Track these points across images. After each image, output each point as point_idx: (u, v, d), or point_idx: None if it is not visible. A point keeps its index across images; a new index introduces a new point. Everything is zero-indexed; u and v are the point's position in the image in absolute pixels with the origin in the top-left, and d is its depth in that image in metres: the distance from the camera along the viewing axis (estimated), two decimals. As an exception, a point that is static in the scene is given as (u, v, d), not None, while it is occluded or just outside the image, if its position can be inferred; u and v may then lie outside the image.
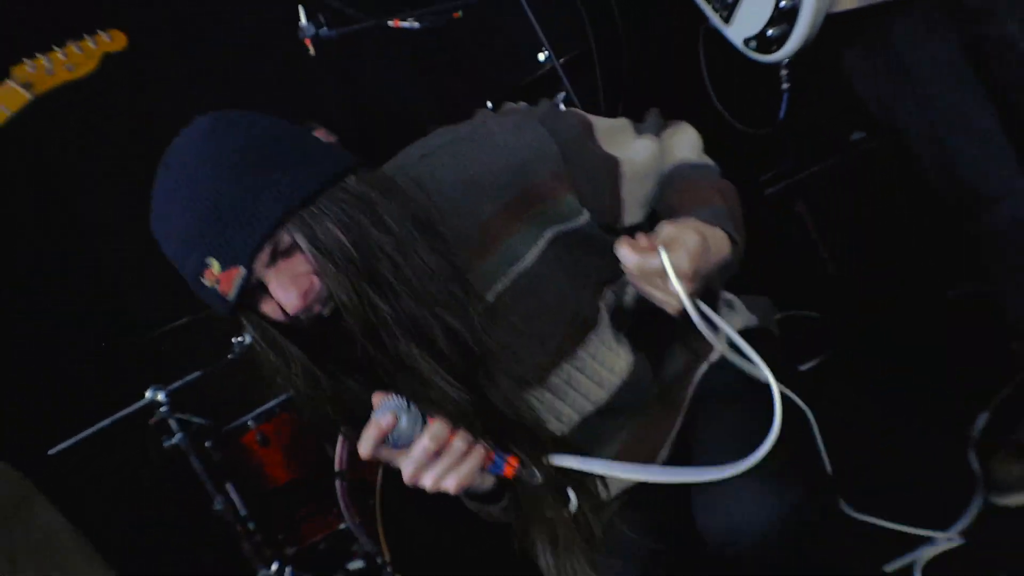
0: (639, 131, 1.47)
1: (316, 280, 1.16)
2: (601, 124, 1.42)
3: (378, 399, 1.14)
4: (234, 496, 2.76)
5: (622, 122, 1.48)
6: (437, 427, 1.13)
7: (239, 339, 2.68)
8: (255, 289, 1.14)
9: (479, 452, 1.17)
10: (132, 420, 2.61)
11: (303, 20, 2.55)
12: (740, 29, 2.04)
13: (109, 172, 3.53)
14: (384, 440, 1.11)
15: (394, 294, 1.17)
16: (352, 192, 1.17)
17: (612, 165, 1.36)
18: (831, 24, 1.91)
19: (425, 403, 1.18)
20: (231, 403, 2.98)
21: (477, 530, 2.16)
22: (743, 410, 1.40)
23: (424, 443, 1.11)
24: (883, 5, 1.89)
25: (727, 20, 2.07)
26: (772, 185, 2.49)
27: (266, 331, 1.21)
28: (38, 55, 2.20)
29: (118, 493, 2.63)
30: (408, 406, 1.14)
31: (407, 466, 1.13)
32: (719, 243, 1.23)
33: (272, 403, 2.92)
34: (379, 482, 2.36)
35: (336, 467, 2.69)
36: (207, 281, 1.11)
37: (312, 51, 2.57)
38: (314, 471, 2.93)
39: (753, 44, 2.01)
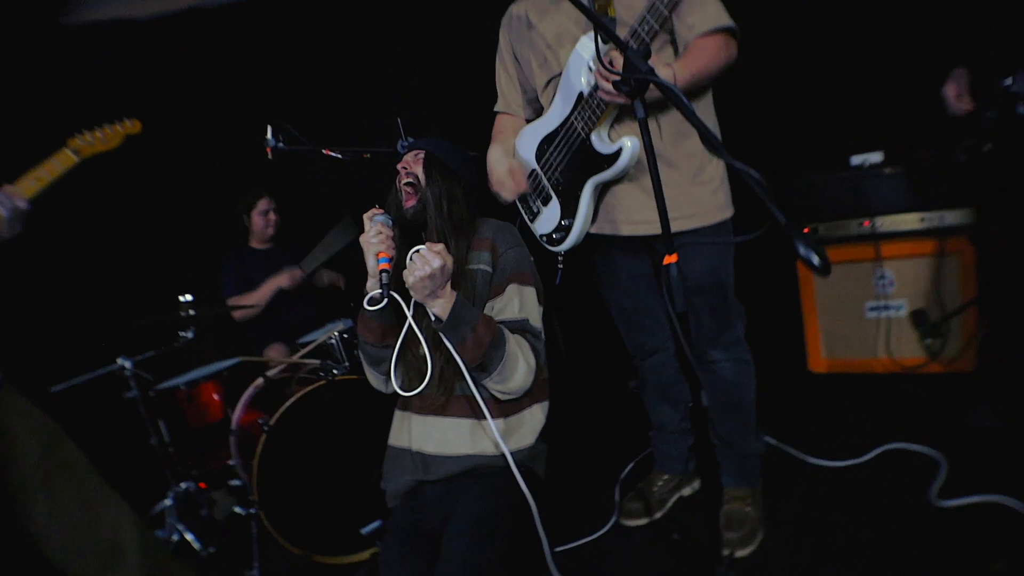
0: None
1: (417, 175, 2.07)
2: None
3: (375, 210, 2.02)
4: (164, 431, 3.07)
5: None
6: (383, 227, 1.96)
7: (184, 334, 3.07)
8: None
9: (389, 244, 1.94)
10: (107, 377, 2.96)
11: (269, 135, 2.87)
12: (539, 228, 2.46)
13: (121, 214, 4.03)
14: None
15: (438, 202, 2.04)
16: (453, 180, 2.09)
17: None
18: (588, 238, 2.36)
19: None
20: (173, 372, 3.36)
21: (319, 485, 2.74)
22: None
23: (379, 226, 1.95)
24: (611, 236, 2.33)
25: (532, 221, 2.48)
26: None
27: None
28: (85, 131, 2.45)
29: (89, 425, 2.79)
30: (387, 219, 1.99)
31: (372, 225, 1.96)
32: (447, 296, 1.86)
33: (197, 375, 3.23)
34: (260, 445, 2.68)
35: (232, 426, 3.03)
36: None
37: (270, 156, 2.88)
38: (218, 423, 3.20)
39: (544, 239, 2.44)
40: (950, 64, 2.63)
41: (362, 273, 2.01)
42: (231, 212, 3.87)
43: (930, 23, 3.24)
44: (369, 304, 1.92)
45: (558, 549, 2.47)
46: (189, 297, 3.01)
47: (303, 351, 3.15)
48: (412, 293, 1.86)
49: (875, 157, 3.37)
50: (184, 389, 3.14)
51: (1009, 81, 2.29)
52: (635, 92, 1.64)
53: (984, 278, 2.96)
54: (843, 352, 3.55)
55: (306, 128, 2.97)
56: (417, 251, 1.83)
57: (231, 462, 3.09)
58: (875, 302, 3.43)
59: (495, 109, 2.63)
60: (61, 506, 2.02)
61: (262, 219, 3.85)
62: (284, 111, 3.20)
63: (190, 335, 3.09)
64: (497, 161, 2.44)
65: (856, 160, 3.41)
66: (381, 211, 2.02)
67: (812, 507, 2.51)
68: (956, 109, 2.54)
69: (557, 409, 2.18)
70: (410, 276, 1.82)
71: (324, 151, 2.97)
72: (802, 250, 1.25)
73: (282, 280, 3.72)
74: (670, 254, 1.63)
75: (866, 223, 3.35)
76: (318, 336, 3.26)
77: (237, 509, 3.00)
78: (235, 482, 3.24)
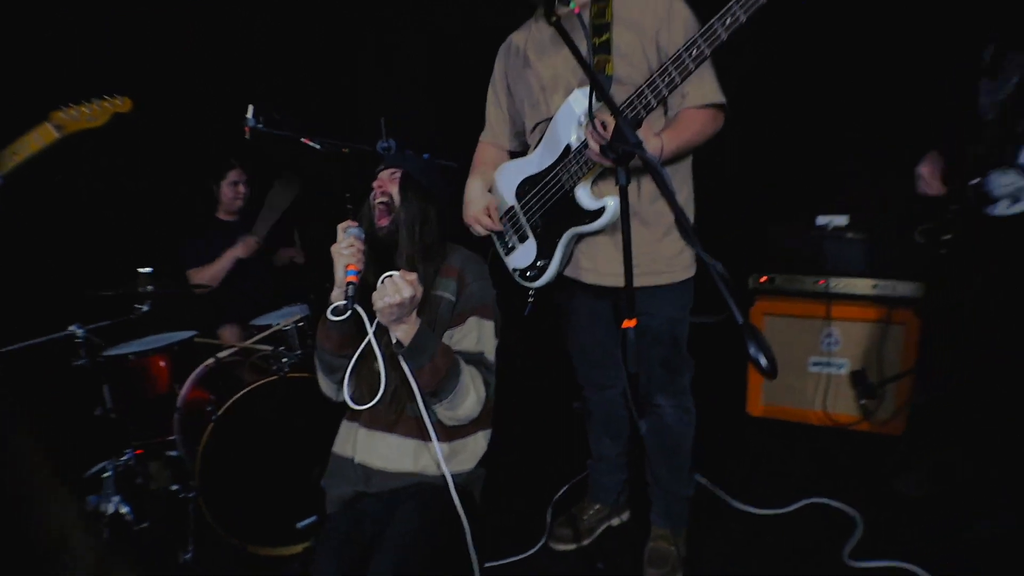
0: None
1: (392, 194, 2.10)
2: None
3: (350, 222, 2.04)
4: (108, 397, 3.00)
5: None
6: (356, 240, 1.98)
7: (139, 306, 3.03)
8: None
9: (359, 257, 1.97)
10: (57, 344, 2.87)
11: (249, 114, 2.80)
12: (512, 262, 2.52)
13: (102, 191, 3.99)
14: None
15: (411, 225, 2.08)
16: (428, 202, 2.12)
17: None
18: (560, 280, 2.45)
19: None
20: (124, 340, 3.24)
21: (260, 477, 2.79)
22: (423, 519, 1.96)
23: (351, 238, 1.97)
24: (575, 280, 2.44)
25: (506, 254, 2.53)
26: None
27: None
28: (71, 105, 2.39)
29: (34, 392, 2.61)
30: (360, 232, 2.01)
31: (345, 236, 1.98)
32: (411, 323, 1.92)
33: (147, 346, 3.14)
34: (207, 433, 2.71)
35: (177, 403, 3.01)
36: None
37: (247, 136, 2.81)
38: (163, 397, 3.11)
39: (518, 274, 2.51)
40: (927, 144, 2.74)
41: (321, 253, 2.08)
42: (201, 183, 3.83)
43: (908, 105, 3.38)
44: (333, 314, 1.96)
45: (487, 565, 2.54)
46: (149, 269, 2.98)
47: (257, 336, 3.16)
48: (378, 316, 1.90)
49: (840, 220, 3.51)
50: (133, 359, 3.10)
51: (977, 181, 2.41)
52: (621, 160, 1.67)
53: (925, 350, 3.09)
54: (781, 400, 3.71)
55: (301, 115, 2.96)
56: (390, 276, 1.87)
57: (172, 437, 3.08)
58: (819, 358, 3.59)
59: (481, 138, 2.66)
60: (4, 495, 1.98)
61: (231, 190, 3.82)
62: (264, 93, 3.12)
63: (146, 308, 3.05)
64: (476, 197, 2.48)
65: (822, 220, 3.54)
66: (355, 224, 2.05)
67: (732, 552, 2.66)
68: (927, 188, 2.65)
69: (499, 427, 2.26)
70: (379, 300, 1.86)
71: (302, 139, 2.94)
72: (752, 350, 1.32)
73: (238, 251, 3.72)
74: (630, 319, 1.66)
75: (821, 281, 3.49)
76: (273, 321, 3.25)
77: (174, 488, 2.98)
78: (173, 452, 3.19)
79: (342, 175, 3.15)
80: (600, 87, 1.75)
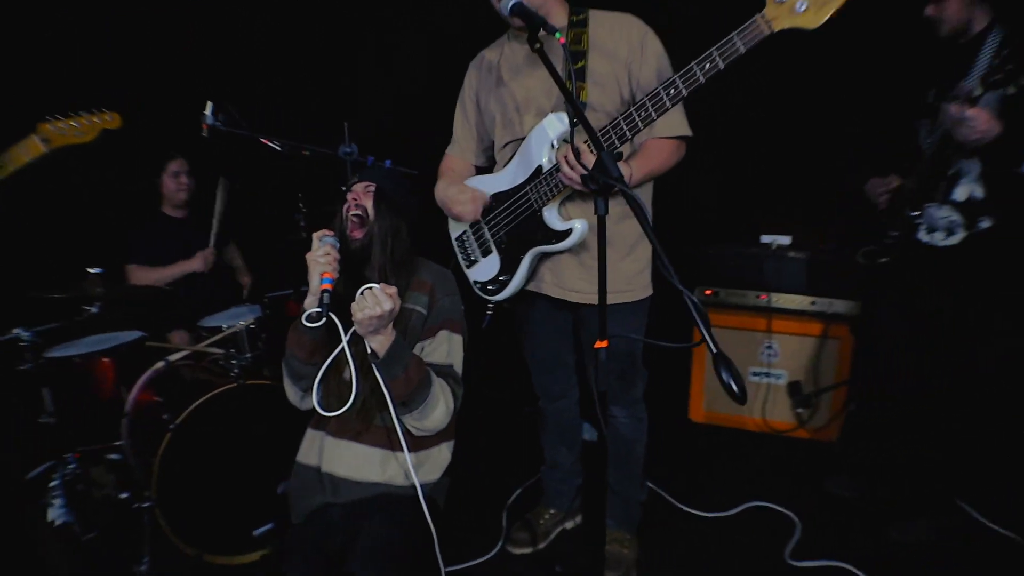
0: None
1: (366, 207, 2.12)
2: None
3: (326, 231, 2.06)
4: (49, 401, 2.86)
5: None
6: (332, 249, 2.01)
7: (88, 308, 2.93)
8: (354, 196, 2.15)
9: (335, 266, 2.00)
10: (1, 348, 2.75)
11: (207, 111, 2.76)
12: (474, 275, 2.57)
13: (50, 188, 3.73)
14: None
15: (384, 239, 2.10)
16: (400, 217, 2.13)
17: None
18: (521, 292, 2.51)
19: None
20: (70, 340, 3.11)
21: (217, 485, 2.74)
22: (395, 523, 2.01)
23: (327, 247, 2.00)
24: (536, 293, 2.51)
25: (469, 267, 2.58)
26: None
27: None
28: (59, 117, 2.34)
29: None
30: (335, 241, 2.05)
31: (321, 245, 2.01)
32: (387, 335, 1.95)
33: (94, 347, 3.02)
34: (164, 443, 2.63)
35: (126, 408, 2.89)
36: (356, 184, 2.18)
37: (205, 133, 2.77)
38: (109, 401, 3.02)
39: (479, 287, 2.56)
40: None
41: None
42: (144, 177, 3.76)
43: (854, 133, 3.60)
44: (307, 321, 1.99)
45: (448, 569, 2.52)
46: (98, 270, 2.90)
47: (209, 340, 3.11)
48: (356, 327, 1.94)
49: (784, 239, 3.71)
50: (78, 360, 2.98)
51: (917, 213, 2.61)
52: (603, 190, 1.73)
53: (857, 363, 3.30)
54: (722, 407, 3.91)
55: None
56: (370, 288, 1.91)
57: (119, 443, 2.97)
58: (759, 368, 3.79)
59: (447, 151, 2.70)
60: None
61: (173, 181, 3.72)
62: (232, 95, 3.07)
63: (95, 309, 2.95)
64: (454, 191, 2.50)
65: (766, 239, 3.74)
66: (331, 233, 2.08)
67: (682, 553, 2.81)
68: (874, 197, 2.85)
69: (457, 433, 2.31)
70: (359, 312, 1.89)
71: (263, 139, 2.91)
72: (725, 377, 1.42)
73: (195, 264, 3.65)
74: (603, 339, 1.73)
75: (763, 296, 3.68)
76: (223, 323, 3.20)
77: (123, 496, 2.89)
78: (113, 455, 3.09)
79: (293, 177, 3.14)
80: (583, 117, 1.78)
